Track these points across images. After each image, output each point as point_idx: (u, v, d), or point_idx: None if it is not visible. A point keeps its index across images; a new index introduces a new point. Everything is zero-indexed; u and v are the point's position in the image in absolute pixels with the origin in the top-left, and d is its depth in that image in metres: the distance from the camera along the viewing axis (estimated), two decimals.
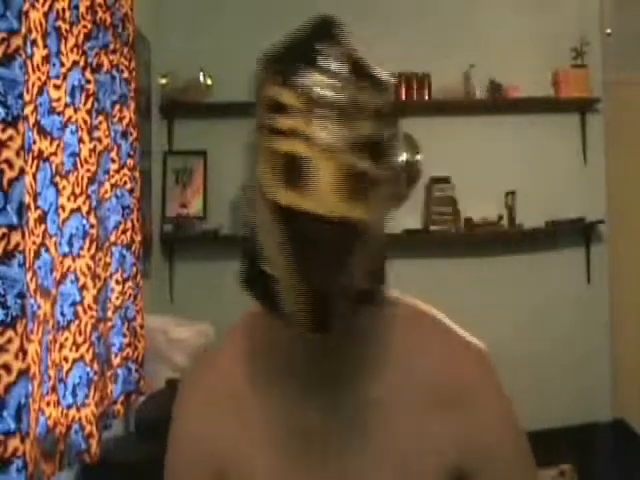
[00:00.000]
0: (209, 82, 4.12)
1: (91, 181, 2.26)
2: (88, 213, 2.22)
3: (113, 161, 2.62)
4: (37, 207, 1.86)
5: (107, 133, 2.50)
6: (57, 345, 2.03)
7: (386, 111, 0.90)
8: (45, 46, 1.92)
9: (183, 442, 1.11)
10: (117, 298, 2.61)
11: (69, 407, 2.12)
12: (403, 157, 4.27)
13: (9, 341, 1.59)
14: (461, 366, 1.06)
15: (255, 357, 1.07)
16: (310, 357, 1.03)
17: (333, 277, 0.88)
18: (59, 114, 2.03)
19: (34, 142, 1.85)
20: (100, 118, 2.44)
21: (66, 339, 2.12)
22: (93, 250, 2.23)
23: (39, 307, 1.85)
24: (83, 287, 2.18)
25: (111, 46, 2.59)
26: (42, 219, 1.89)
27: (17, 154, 1.61)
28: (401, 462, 1.02)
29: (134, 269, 2.78)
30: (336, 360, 1.03)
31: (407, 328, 1.08)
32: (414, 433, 1.02)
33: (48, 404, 1.93)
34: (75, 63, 2.18)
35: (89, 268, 2.21)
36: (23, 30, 1.67)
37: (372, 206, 0.88)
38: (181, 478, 1.11)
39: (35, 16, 1.86)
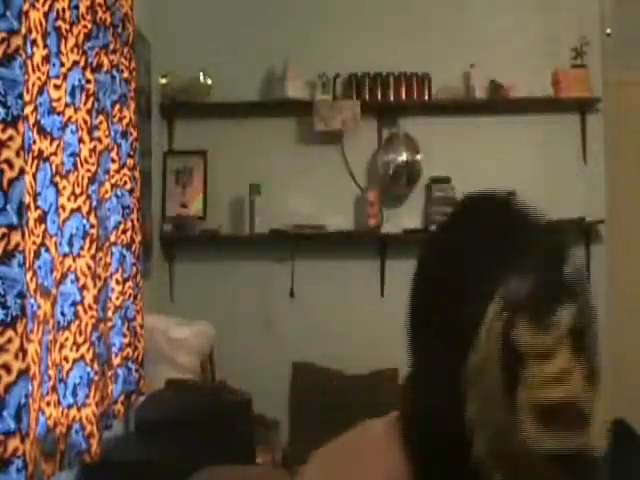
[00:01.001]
0: (209, 82, 4.12)
1: (91, 181, 2.26)
2: (88, 213, 2.22)
3: (113, 161, 2.62)
4: (37, 207, 1.85)
5: (107, 133, 2.50)
6: (57, 345, 2.03)
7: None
8: (45, 46, 1.91)
9: None
10: (117, 298, 2.61)
11: (69, 407, 2.12)
12: (403, 157, 4.27)
13: (9, 341, 1.59)
14: None
15: None
16: None
17: None
18: (59, 114, 2.03)
19: (34, 142, 1.85)
20: (100, 118, 2.44)
21: (66, 339, 2.12)
22: (93, 250, 2.23)
23: (39, 307, 1.85)
24: (83, 287, 2.18)
25: (111, 46, 2.59)
26: (42, 219, 1.88)
27: (17, 154, 1.61)
28: None
29: (134, 269, 2.78)
30: None
31: None
32: None
33: (48, 404, 1.92)
34: (75, 63, 2.18)
35: (89, 268, 2.21)
36: (23, 30, 1.67)
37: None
38: None
39: (35, 16, 1.86)
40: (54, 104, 1.99)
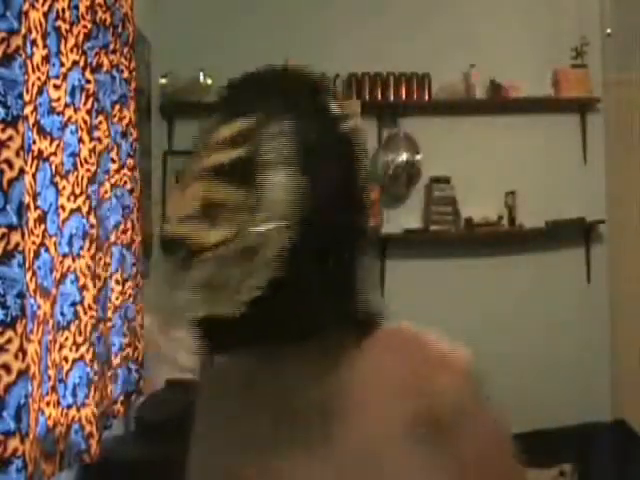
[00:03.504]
0: (209, 82, 4.12)
1: (91, 181, 2.25)
2: (88, 213, 2.22)
3: (113, 161, 2.62)
4: (37, 207, 1.85)
5: (107, 133, 2.50)
6: (57, 345, 2.03)
7: (241, 139, 0.96)
8: (45, 46, 1.91)
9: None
10: (117, 298, 2.61)
11: (69, 407, 2.12)
12: (403, 157, 4.27)
13: (9, 341, 1.59)
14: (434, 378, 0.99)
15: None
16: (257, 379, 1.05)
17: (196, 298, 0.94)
18: (59, 114, 2.03)
19: (34, 142, 1.85)
20: (100, 118, 2.44)
21: (66, 339, 2.12)
22: (93, 250, 2.23)
23: (39, 307, 1.85)
24: (83, 287, 2.18)
25: (111, 46, 2.59)
26: (42, 219, 1.88)
27: (17, 154, 1.61)
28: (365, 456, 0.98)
29: (134, 269, 2.77)
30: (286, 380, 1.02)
31: (378, 348, 1.02)
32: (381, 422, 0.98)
33: (48, 404, 1.92)
34: (75, 63, 2.18)
35: (89, 268, 2.21)
36: (23, 30, 1.67)
37: (231, 229, 0.90)
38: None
39: (35, 16, 1.86)
40: (54, 104, 1.99)
